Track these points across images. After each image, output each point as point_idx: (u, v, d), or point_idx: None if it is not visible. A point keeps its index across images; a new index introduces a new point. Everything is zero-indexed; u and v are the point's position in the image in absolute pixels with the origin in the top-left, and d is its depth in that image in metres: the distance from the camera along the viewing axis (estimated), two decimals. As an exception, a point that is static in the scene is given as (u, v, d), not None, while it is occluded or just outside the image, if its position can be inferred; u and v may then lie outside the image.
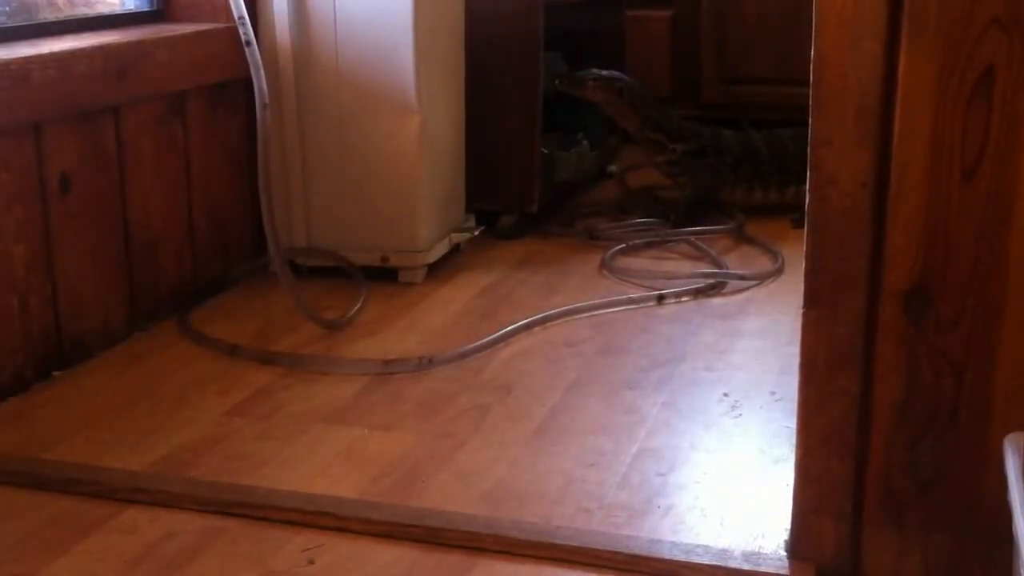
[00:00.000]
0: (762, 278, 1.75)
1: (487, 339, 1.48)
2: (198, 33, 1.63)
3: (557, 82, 2.03)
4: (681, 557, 0.97)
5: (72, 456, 1.17)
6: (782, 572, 0.94)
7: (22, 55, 1.31)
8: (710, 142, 2.07)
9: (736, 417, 1.27)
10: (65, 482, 1.11)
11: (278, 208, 1.69)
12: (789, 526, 0.94)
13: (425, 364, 1.41)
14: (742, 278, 1.74)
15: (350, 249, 1.76)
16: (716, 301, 1.67)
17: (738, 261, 1.85)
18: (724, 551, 0.98)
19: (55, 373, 1.39)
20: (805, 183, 2.11)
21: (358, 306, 1.61)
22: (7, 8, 1.49)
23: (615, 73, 2.09)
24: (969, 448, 0.88)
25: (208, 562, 0.98)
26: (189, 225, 1.66)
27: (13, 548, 1.00)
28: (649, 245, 1.93)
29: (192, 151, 1.65)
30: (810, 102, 0.86)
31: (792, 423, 0.93)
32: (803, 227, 0.89)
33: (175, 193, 1.62)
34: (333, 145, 1.74)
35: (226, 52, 1.66)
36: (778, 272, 1.77)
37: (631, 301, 1.65)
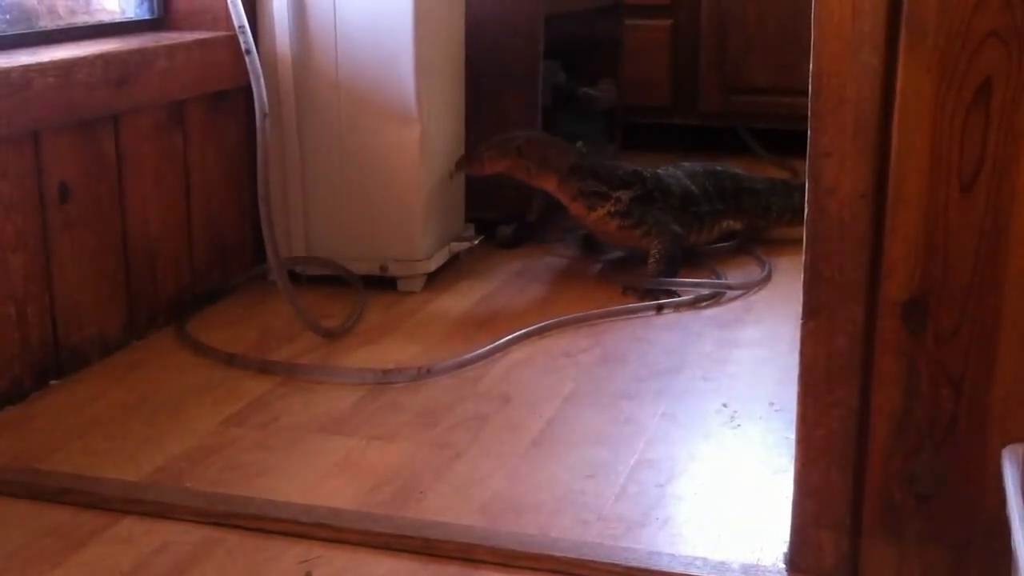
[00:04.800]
0: (747, 287, 1.74)
1: (486, 348, 1.48)
2: (198, 42, 1.63)
3: (455, 167, 1.78)
4: (679, 569, 0.97)
5: (68, 466, 1.17)
6: (780, 584, 0.94)
7: (22, 63, 1.31)
8: (654, 185, 1.81)
9: (735, 428, 1.27)
10: (61, 492, 1.11)
11: (277, 217, 1.69)
12: (788, 538, 0.94)
13: (423, 374, 1.41)
14: (729, 288, 1.74)
15: (349, 258, 1.75)
16: (714, 311, 1.67)
17: (734, 270, 1.85)
18: (722, 563, 0.98)
19: (52, 382, 1.39)
20: (729, 220, 2.02)
21: (357, 315, 1.61)
22: (7, 16, 1.49)
23: (514, 134, 1.78)
24: (968, 460, 0.88)
25: (204, 573, 0.97)
26: (188, 234, 1.65)
27: (8, 559, 1.00)
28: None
29: (191, 160, 1.65)
30: (809, 113, 0.86)
31: (791, 434, 0.93)
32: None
33: (174, 202, 1.62)
34: (333, 154, 1.74)
35: (226, 61, 1.67)
36: (765, 281, 1.77)
37: (629, 311, 1.65)
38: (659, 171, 1.88)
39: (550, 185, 1.77)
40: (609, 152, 2.44)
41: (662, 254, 1.76)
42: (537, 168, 1.76)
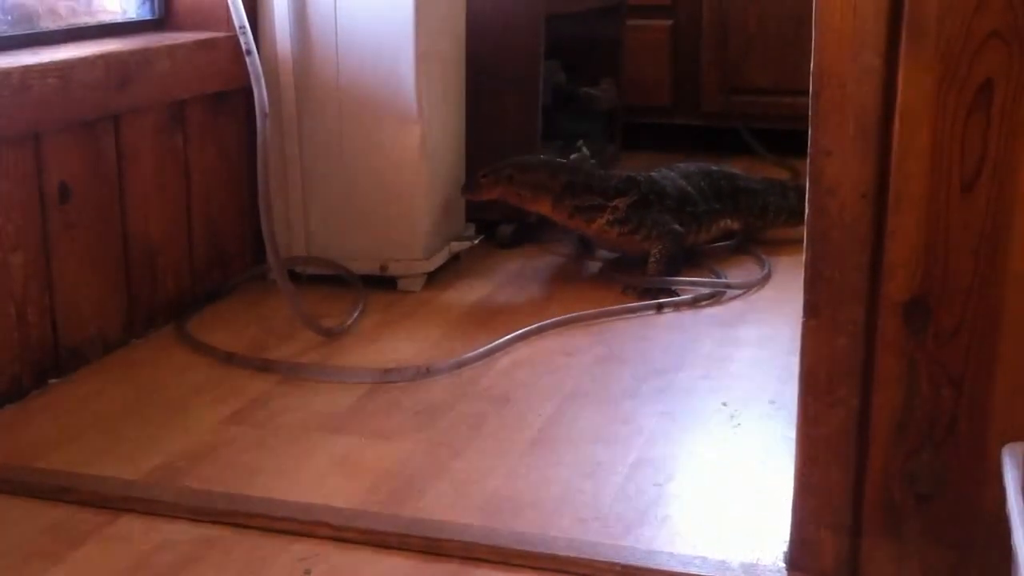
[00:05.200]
0: (748, 287, 1.74)
1: (485, 348, 1.47)
2: (199, 42, 1.63)
3: (462, 192, 1.81)
4: (678, 568, 0.96)
5: (67, 464, 1.17)
6: (780, 584, 0.94)
7: (23, 64, 1.31)
8: (649, 188, 1.81)
9: (735, 427, 1.27)
10: (59, 491, 1.11)
11: (278, 217, 1.69)
12: (788, 537, 0.94)
13: (423, 373, 1.40)
14: (729, 287, 1.73)
15: (349, 258, 1.75)
16: (714, 310, 1.67)
17: (734, 270, 1.85)
18: (722, 562, 0.98)
19: (51, 381, 1.39)
20: (728, 218, 1.99)
21: (356, 314, 1.61)
22: (9, 17, 1.49)
23: (507, 160, 1.78)
24: (968, 459, 0.87)
25: (203, 572, 0.97)
26: (188, 234, 1.65)
27: (6, 557, 1.00)
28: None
29: (192, 160, 1.65)
30: (810, 113, 0.86)
31: (791, 433, 0.92)
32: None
33: (174, 202, 1.62)
34: (333, 154, 1.74)
35: (227, 61, 1.67)
36: (765, 280, 1.77)
37: (629, 310, 1.65)
38: (653, 174, 1.87)
39: (544, 208, 1.78)
40: (610, 152, 2.44)
41: (663, 254, 1.76)
42: (530, 193, 1.76)
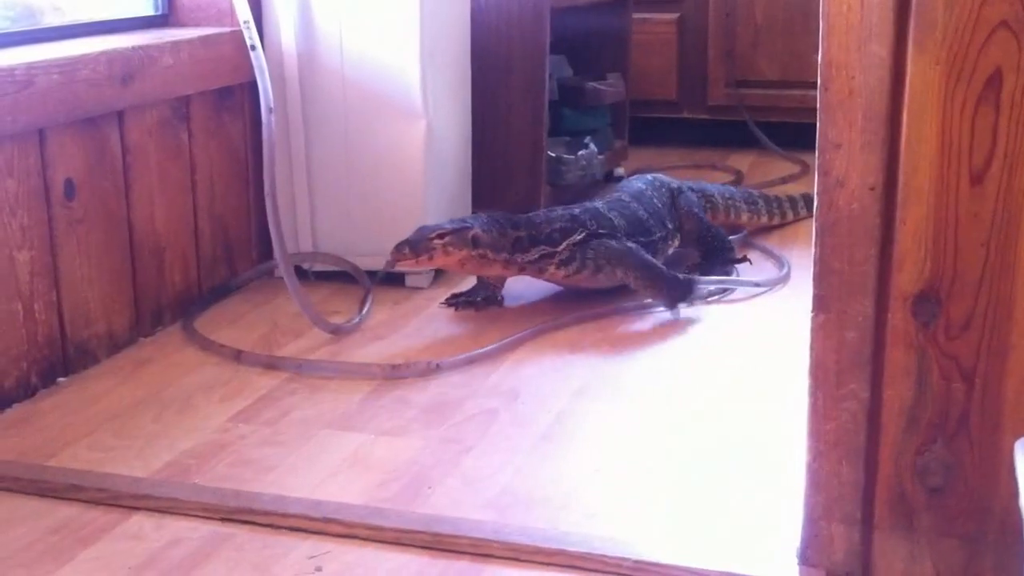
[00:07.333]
0: (770, 284, 1.73)
1: (495, 345, 1.47)
2: (203, 38, 1.63)
3: (392, 257, 1.52)
4: (689, 564, 0.96)
5: (77, 463, 1.17)
6: (791, 578, 0.93)
7: (26, 60, 1.31)
8: (596, 223, 1.65)
9: (744, 423, 1.26)
10: (70, 489, 1.11)
11: (284, 213, 1.69)
12: (799, 532, 0.94)
13: (432, 369, 1.40)
14: (756, 284, 1.72)
15: (356, 253, 1.75)
16: (726, 306, 1.67)
17: (747, 265, 1.84)
18: (732, 557, 0.97)
19: (60, 379, 1.39)
20: (678, 238, 1.87)
21: (364, 311, 1.61)
22: (12, 13, 1.49)
23: (459, 222, 1.58)
24: (980, 453, 0.87)
25: (214, 569, 0.97)
26: (194, 230, 1.65)
27: (18, 555, 1.00)
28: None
29: (197, 156, 1.65)
30: (818, 105, 0.85)
31: (804, 427, 0.92)
32: None
33: (180, 198, 1.62)
34: (339, 149, 1.74)
35: (231, 56, 1.66)
36: (785, 278, 1.76)
37: (641, 306, 1.64)
38: (598, 204, 1.71)
39: (496, 269, 1.61)
40: (617, 147, 2.44)
41: (639, 279, 1.62)
42: (492, 254, 1.57)
